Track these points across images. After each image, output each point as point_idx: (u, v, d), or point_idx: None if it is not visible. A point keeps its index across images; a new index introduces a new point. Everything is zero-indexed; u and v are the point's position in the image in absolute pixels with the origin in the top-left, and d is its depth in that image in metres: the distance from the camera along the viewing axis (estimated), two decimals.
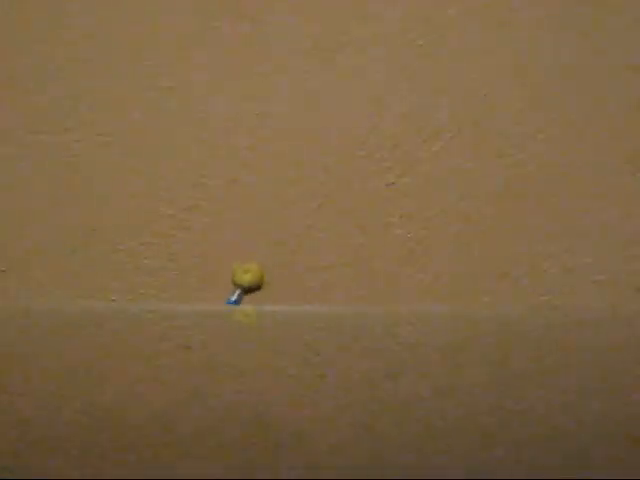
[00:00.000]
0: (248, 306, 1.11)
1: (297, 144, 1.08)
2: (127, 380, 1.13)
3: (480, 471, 1.17)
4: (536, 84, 1.08)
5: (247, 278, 1.10)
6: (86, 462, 1.15)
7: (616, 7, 1.06)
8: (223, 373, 1.13)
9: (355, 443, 1.16)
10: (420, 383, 1.14)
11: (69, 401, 1.13)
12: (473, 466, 1.17)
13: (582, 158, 1.10)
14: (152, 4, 1.04)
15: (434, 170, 1.09)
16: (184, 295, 1.12)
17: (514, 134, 1.09)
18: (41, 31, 1.04)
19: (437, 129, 1.08)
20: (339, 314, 1.12)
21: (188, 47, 1.05)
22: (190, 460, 1.15)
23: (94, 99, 1.06)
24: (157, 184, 1.09)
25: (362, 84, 1.07)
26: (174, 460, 1.15)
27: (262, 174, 1.09)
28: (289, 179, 1.09)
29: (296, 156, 1.09)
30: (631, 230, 1.12)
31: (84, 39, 1.05)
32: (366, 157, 1.09)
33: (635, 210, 1.11)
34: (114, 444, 1.15)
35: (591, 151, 1.09)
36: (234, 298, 1.10)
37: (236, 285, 1.10)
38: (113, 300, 1.11)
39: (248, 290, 1.11)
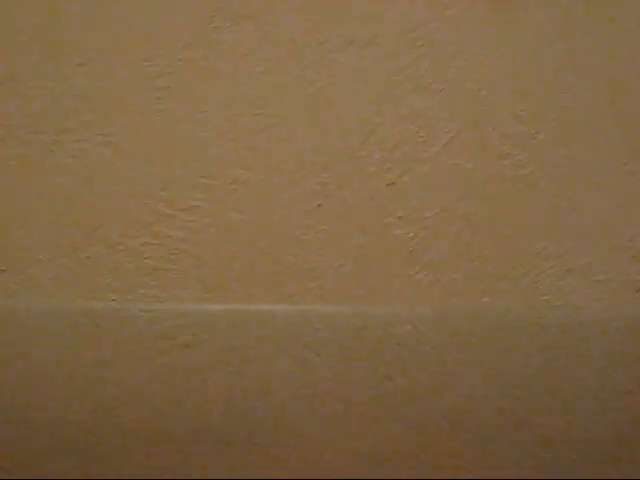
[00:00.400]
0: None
1: (297, 144, 1.08)
2: (127, 380, 1.13)
3: (480, 471, 1.17)
4: (536, 84, 1.08)
5: None
6: (86, 462, 1.15)
7: (617, 7, 1.06)
8: (223, 373, 1.13)
9: (355, 443, 1.15)
10: (420, 383, 1.13)
11: (69, 401, 1.13)
12: (473, 466, 1.16)
13: (582, 158, 1.10)
14: (152, 4, 1.04)
15: (434, 170, 1.09)
16: (184, 295, 1.12)
17: (514, 134, 1.09)
18: (41, 31, 1.04)
19: (437, 129, 1.08)
20: (339, 314, 1.12)
21: (188, 47, 1.05)
22: (190, 460, 1.15)
23: (94, 99, 1.06)
24: (157, 184, 1.09)
25: (362, 84, 1.07)
26: (174, 460, 1.15)
27: (262, 174, 1.09)
28: (289, 179, 1.09)
29: (296, 156, 1.09)
30: (631, 230, 1.11)
31: (84, 39, 1.05)
32: (366, 157, 1.09)
33: (635, 210, 1.11)
34: (114, 444, 1.14)
35: (591, 151, 1.09)
36: None
37: None
38: (113, 300, 1.11)
39: None
